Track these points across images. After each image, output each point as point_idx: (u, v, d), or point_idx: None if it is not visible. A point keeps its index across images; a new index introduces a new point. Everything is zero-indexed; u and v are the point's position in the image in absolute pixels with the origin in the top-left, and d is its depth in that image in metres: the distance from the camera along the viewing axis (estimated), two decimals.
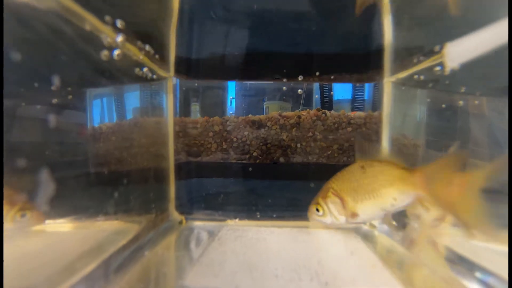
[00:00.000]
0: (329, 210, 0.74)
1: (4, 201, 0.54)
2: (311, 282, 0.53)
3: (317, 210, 0.76)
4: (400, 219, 0.84)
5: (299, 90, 0.97)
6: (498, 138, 0.64)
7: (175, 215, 0.92)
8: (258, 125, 0.95)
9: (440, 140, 0.79)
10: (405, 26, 0.86)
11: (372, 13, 0.91)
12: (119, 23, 0.62)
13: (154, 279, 0.56)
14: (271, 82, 0.99)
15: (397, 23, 0.87)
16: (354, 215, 0.72)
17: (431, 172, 0.62)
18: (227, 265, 0.59)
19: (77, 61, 0.57)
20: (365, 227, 0.88)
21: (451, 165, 0.60)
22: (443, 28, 0.72)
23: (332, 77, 0.96)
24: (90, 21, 0.56)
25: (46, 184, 0.51)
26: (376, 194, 0.70)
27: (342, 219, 0.74)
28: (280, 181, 0.96)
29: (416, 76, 0.78)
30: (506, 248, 0.50)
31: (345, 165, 0.93)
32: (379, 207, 0.71)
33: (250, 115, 0.96)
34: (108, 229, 0.67)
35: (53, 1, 0.51)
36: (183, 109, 0.97)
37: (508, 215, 0.48)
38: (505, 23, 0.51)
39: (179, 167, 0.94)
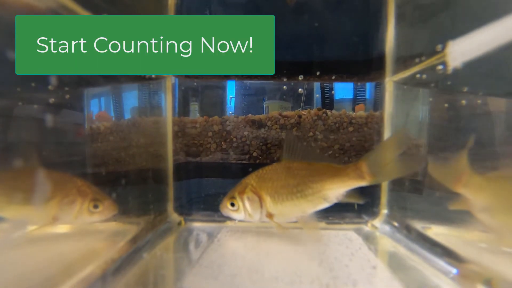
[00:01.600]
0: (243, 207, 0.73)
1: (76, 193, 0.58)
2: (312, 284, 0.52)
3: (232, 204, 0.74)
4: (402, 221, 0.83)
5: (300, 90, 0.96)
6: (502, 138, 0.63)
7: (174, 216, 0.91)
8: (258, 124, 0.94)
9: (443, 140, 0.78)
10: (408, 23, 0.85)
11: (374, 11, 0.91)
12: None
13: (152, 282, 0.55)
14: (271, 81, 0.98)
15: (400, 19, 0.86)
16: (269, 215, 0.71)
17: (374, 160, 0.65)
18: (227, 267, 0.59)
19: None
20: (367, 228, 0.88)
21: (392, 148, 0.66)
22: (447, 24, 0.71)
23: (333, 77, 0.95)
24: None
25: (43, 185, 0.51)
26: (300, 196, 0.68)
27: (256, 217, 0.73)
28: None
29: (418, 75, 0.78)
30: None
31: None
32: (300, 209, 0.70)
33: (250, 115, 0.95)
34: (106, 231, 0.66)
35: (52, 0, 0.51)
36: (182, 108, 0.96)
37: None
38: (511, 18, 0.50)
39: (178, 168, 0.94)
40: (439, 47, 0.67)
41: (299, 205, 0.69)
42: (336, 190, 0.68)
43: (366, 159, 0.66)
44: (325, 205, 0.70)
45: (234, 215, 0.75)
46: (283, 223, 0.74)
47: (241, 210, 0.73)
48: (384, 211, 0.90)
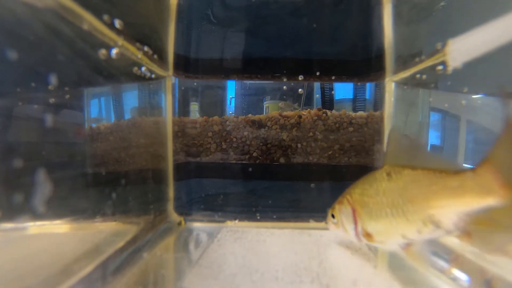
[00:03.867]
0: (340, 220, 0.62)
1: None
2: (312, 284, 0.52)
3: (333, 216, 0.64)
4: None
5: (300, 90, 0.96)
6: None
7: (174, 216, 0.91)
8: (258, 125, 0.94)
9: (442, 140, 0.78)
10: (406, 22, 0.85)
11: (372, 11, 0.91)
12: (117, 22, 0.62)
13: (152, 281, 0.55)
14: (271, 82, 0.98)
15: (398, 18, 0.86)
16: (367, 235, 0.56)
17: (507, 160, 0.39)
18: (227, 267, 0.59)
19: (74, 60, 0.56)
20: None
21: None
22: (446, 23, 0.71)
23: (333, 77, 0.95)
24: (88, 20, 0.55)
25: (43, 185, 0.51)
26: (396, 213, 0.50)
27: (351, 233, 0.60)
28: (281, 181, 0.96)
29: (418, 76, 0.78)
30: None
31: (346, 166, 0.93)
32: (399, 231, 0.51)
33: (250, 115, 0.95)
34: (106, 231, 0.66)
35: None
36: (182, 108, 0.96)
37: None
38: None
39: (178, 168, 0.94)
40: (439, 45, 0.67)
41: (397, 225, 0.51)
42: (448, 211, 0.45)
43: (492, 159, 0.40)
44: (437, 232, 0.48)
45: (334, 228, 0.65)
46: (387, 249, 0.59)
47: (339, 223, 0.62)
48: None
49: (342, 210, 0.61)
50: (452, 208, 0.45)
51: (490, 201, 0.40)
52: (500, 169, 0.39)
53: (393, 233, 0.52)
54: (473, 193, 0.42)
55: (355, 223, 0.58)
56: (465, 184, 0.43)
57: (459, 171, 0.45)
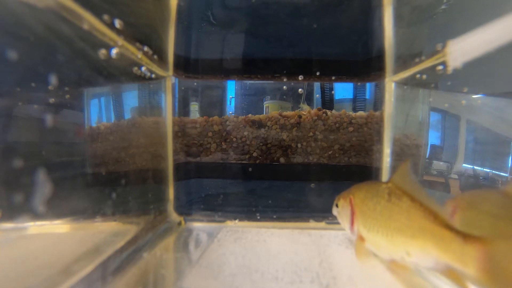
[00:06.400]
0: (341, 213, 0.65)
1: None
2: (312, 284, 0.52)
3: (336, 206, 0.67)
4: None
5: (300, 90, 0.96)
6: (500, 138, 0.63)
7: (174, 216, 0.91)
8: (258, 125, 0.94)
9: (442, 140, 0.78)
10: (407, 24, 0.85)
11: (372, 12, 0.91)
12: (118, 22, 0.62)
13: (152, 281, 0.55)
14: (271, 82, 0.98)
15: (398, 19, 0.86)
16: (361, 238, 0.58)
17: (500, 249, 0.38)
18: (227, 267, 0.59)
19: (74, 60, 0.56)
20: None
21: None
22: (446, 25, 0.71)
23: (333, 77, 0.95)
24: (89, 20, 0.55)
25: (43, 185, 0.51)
26: (388, 234, 0.52)
27: (347, 229, 0.63)
28: (280, 181, 0.96)
29: (418, 76, 0.78)
30: None
31: (346, 166, 0.93)
32: (386, 250, 0.54)
33: (250, 115, 0.96)
34: (106, 231, 0.66)
35: None
36: (182, 108, 0.96)
37: None
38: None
39: (178, 168, 0.94)
40: (439, 46, 0.67)
41: (385, 245, 0.54)
42: (426, 256, 0.47)
43: (491, 244, 0.39)
44: (419, 265, 0.50)
45: (337, 217, 0.68)
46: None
47: (340, 215, 0.65)
48: None
49: (343, 207, 0.63)
50: (429, 255, 0.46)
51: (463, 270, 0.41)
52: (491, 258, 0.38)
53: (381, 249, 0.55)
54: (453, 256, 0.42)
55: (352, 223, 0.61)
56: (451, 244, 0.43)
57: (452, 228, 0.44)
